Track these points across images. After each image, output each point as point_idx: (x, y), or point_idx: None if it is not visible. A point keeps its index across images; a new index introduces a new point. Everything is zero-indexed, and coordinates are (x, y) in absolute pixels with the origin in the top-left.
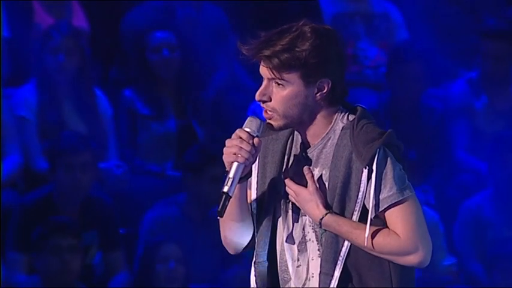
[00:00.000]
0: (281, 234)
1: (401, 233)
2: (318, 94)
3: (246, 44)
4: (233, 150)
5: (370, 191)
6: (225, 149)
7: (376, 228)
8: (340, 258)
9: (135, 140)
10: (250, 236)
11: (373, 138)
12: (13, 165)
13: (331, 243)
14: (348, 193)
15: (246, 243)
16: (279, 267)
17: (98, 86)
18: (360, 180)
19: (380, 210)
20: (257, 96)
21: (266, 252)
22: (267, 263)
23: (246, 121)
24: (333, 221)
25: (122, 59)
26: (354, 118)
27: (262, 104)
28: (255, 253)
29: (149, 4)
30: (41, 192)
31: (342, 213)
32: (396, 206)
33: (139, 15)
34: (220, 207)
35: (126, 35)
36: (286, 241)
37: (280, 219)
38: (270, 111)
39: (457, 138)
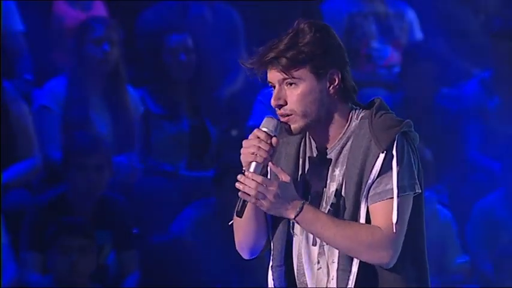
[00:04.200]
0: (298, 238)
1: (385, 227)
2: (330, 87)
3: (248, 60)
4: (251, 150)
5: (392, 176)
6: (242, 149)
7: (354, 222)
8: None
9: (148, 140)
10: (265, 239)
11: (392, 125)
12: (30, 166)
13: None
14: (363, 180)
15: (261, 247)
16: (296, 271)
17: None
18: (373, 166)
19: (376, 201)
20: (273, 102)
21: (283, 256)
22: (284, 267)
23: (263, 121)
24: (312, 208)
25: (136, 58)
26: (372, 108)
27: (279, 111)
28: (271, 257)
29: (163, 4)
30: (54, 192)
31: (357, 201)
32: (402, 198)
33: (154, 16)
34: (239, 208)
35: (140, 34)
36: (305, 244)
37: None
38: (288, 114)
39: (470, 138)
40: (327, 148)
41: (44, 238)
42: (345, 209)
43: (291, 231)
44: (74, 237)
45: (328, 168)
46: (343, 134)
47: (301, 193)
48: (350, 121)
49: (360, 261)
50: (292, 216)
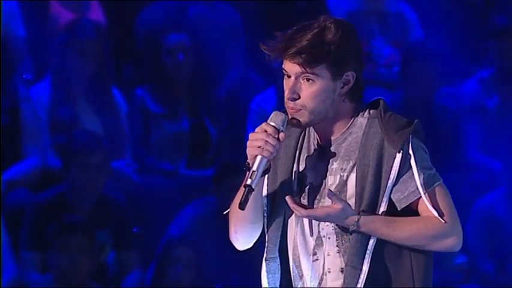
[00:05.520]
0: (293, 229)
1: (441, 216)
2: (343, 88)
3: (268, 45)
4: (258, 144)
5: (413, 175)
6: (249, 142)
7: (410, 217)
8: (368, 252)
9: (148, 139)
10: (260, 231)
11: (404, 126)
12: (30, 167)
13: (360, 237)
14: (379, 180)
15: (255, 239)
16: (291, 263)
17: (113, 84)
18: (391, 167)
19: (416, 198)
20: (287, 94)
21: (278, 247)
22: (279, 259)
23: (271, 115)
24: (367, 220)
25: (136, 58)
26: (379, 108)
27: (290, 103)
28: (266, 249)
29: (162, 4)
30: (54, 191)
31: (374, 201)
32: (432, 191)
33: (153, 15)
34: (243, 199)
35: (140, 34)
36: (301, 236)
37: (292, 215)
38: (298, 109)
39: (470, 137)
40: (328, 142)
41: (44, 237)
42: (359, 208)
43: (286, 222)
44: (74, 237)
45: (328, 162)
46: (347, 129)
47: (297, 186)
48: (354, 118)
49: (371, 260)
50: (353, 227)
